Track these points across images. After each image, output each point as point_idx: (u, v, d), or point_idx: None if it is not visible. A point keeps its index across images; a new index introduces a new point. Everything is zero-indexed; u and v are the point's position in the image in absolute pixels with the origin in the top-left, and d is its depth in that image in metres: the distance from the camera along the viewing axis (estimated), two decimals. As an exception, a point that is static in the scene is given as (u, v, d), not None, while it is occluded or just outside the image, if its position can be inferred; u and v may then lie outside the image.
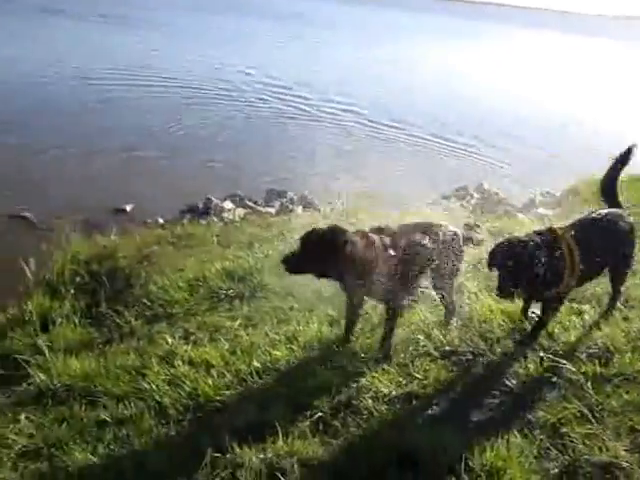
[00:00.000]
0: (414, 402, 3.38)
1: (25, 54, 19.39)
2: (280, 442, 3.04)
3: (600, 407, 3.25)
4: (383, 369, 3.59)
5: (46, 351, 4.21)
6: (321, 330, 4.04)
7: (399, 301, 3.74)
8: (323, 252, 3.42)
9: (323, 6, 66.76)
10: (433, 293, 4.03)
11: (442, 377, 3.55)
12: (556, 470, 2.93)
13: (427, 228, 3.80)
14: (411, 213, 4.26)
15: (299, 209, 9.19)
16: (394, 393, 3.42)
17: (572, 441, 3.05)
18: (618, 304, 4.16)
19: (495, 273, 3.63)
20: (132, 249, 6.06)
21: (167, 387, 3.58)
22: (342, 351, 3.78)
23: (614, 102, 22.95)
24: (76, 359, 4.07)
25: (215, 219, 8.44)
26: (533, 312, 3.96)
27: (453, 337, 3.88)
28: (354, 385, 3.48)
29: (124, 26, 29.51)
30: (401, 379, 3.53)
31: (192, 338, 4.22)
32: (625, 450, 2.99)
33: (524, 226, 5.96)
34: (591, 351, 3.71)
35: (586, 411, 3.20)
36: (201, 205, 9.22)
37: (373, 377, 3.52)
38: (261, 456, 2.97)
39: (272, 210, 9.18)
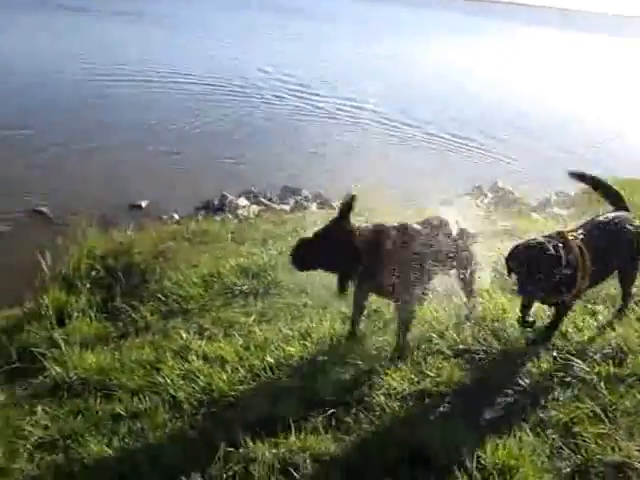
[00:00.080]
0: (426, 399, 3.38)
1: (59, 49, 19.70)
2: (293, 437, 3.06)
3: (613, 407, 3.23)
4: (396, 366, 3.60)
5: (62, 344, 4.26)
6: (334, 327, 4.05)
7: (410, 297, 3.71)
8: (332, 245, 3.39)
9: (323, 1, 66.63)
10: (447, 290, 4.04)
11: (455, 375, 3.54)
12: (568, 469, 2.91)
13: (438, 223, 3.80)
14: (425, 210, 4.23)
15: (313, 206, 9.22)
16: (407, 390, 3.42)
17: (585, 441, 3.03)
18: (632, 305, 4.14)
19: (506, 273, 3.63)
20: (147, 245, 6.11)
21: (181, 381, 3.61)
22: (355, 348, 3.79)
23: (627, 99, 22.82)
24: (92, 353, 4.11)
25: (230, 216, 8.49)
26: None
27: (466, 336, 3.88)
28: (367, 382, 3.49)
29: (136, 23, 29.68)
30: (414, 377, 3.53)
31: (206, 333, 4.24)
32: (638, 450, 2.97)
33: (539, 226, 5.94)
34: (605, 351, 3.68)
35: (599, 411, 3.19)
36: (216, 202, 9.28)
37: (386, 374, 3.52)
38: (274, 451, 2.99)
39: (286, 207, 9.21)
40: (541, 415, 3.23)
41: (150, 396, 3.53)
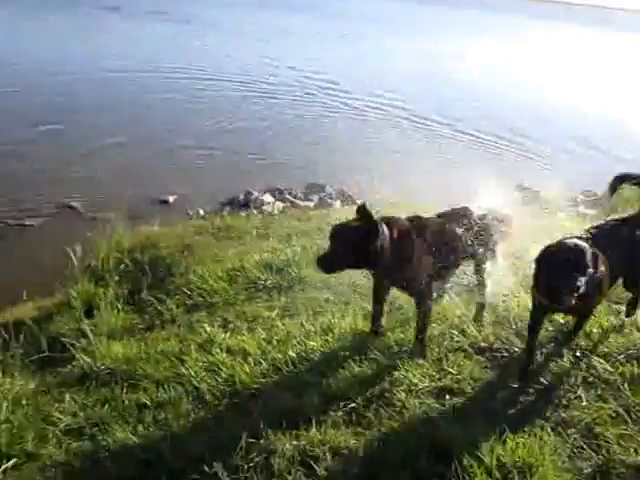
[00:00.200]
0: (447, 396, 3.38)
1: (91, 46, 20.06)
2: (313, 430, 3.10)
3: (637, 408, 3.21)
4: (417, 363, 3.61)
5: (90, 335, 4.37)
6: (356, 322, 4.08)
7: (429, 291, 3.69)
8: (355, 243, 3.36)
9: (369, 3, 66.26)
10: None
11: (476, 373, 3.54)
12: (589, 470, 2.90)
13: (461, 215, 3.80)
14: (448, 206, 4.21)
15: (337, 203, 9.25)
16: (427, 387, 3.44)
17: (607, 441, 3.02)
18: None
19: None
20: (174, 239, 6.22)
21: (205, 373, 3.67)
22: (376, 344, 3.81)
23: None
24: (119, 344, 4.22)
25: (255, 212, 8.57)
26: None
27: (488, 334, 3.87)
28: (387, 378, 3.51)
29: (175, 22, 29.94)
30: (434, 373, 3.55)
31: (230, 327, 4.31)
32: (661, 453, 2.94)
33: (565, 225, 5.86)
34: (629, 352, 3.65)
35: (622, 412, 3.17)
36: (241, 197, 9.35)
37: (407, 370, 3.54)
38: (294, 443, 3.03)
39: (311, 204, 9.26)
40: (563, 415, 3.21)
41: (174, 387, 3.60)
